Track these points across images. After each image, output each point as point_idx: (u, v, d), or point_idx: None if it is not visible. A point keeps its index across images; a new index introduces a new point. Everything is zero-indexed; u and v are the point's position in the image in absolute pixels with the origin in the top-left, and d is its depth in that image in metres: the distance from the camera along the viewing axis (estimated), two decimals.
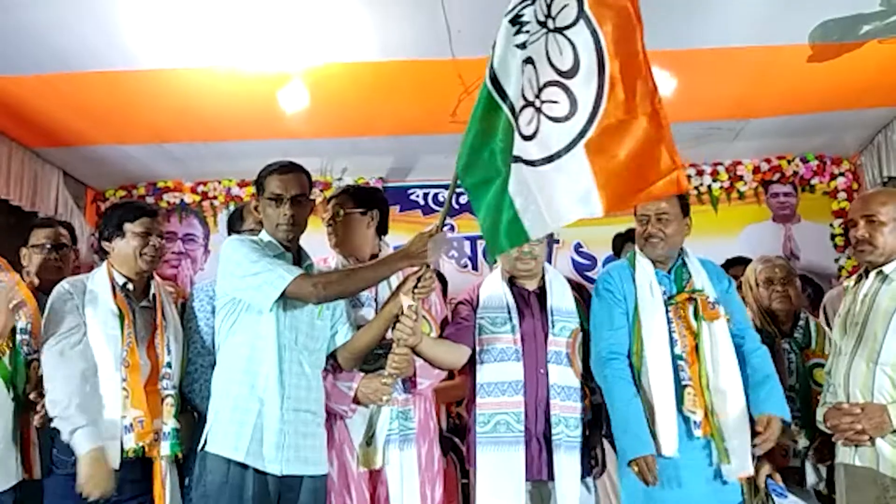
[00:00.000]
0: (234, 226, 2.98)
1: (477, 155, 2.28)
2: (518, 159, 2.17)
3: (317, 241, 2.80)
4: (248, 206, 2.87)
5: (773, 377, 2.59)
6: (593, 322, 2.69)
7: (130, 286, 2.53)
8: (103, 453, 2.27)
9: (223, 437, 2.29)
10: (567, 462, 2.56)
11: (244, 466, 2.26)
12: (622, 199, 2.06)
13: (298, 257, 2.51)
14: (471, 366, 2.83)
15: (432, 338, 2.63)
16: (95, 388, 2.35)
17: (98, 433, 2.28)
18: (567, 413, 2.60)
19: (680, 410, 2.48)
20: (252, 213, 2.73)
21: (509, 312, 2.71)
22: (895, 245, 2.49)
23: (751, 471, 2.53)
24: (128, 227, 2.52)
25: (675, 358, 2.53)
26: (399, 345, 2.43)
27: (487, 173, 2.26)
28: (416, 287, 2.39)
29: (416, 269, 2.40)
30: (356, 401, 2.54)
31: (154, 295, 2.58)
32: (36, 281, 2.86)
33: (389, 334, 2.49)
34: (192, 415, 2.62)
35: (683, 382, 2.50)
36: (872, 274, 2.51)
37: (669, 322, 2.56)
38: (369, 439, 2.52)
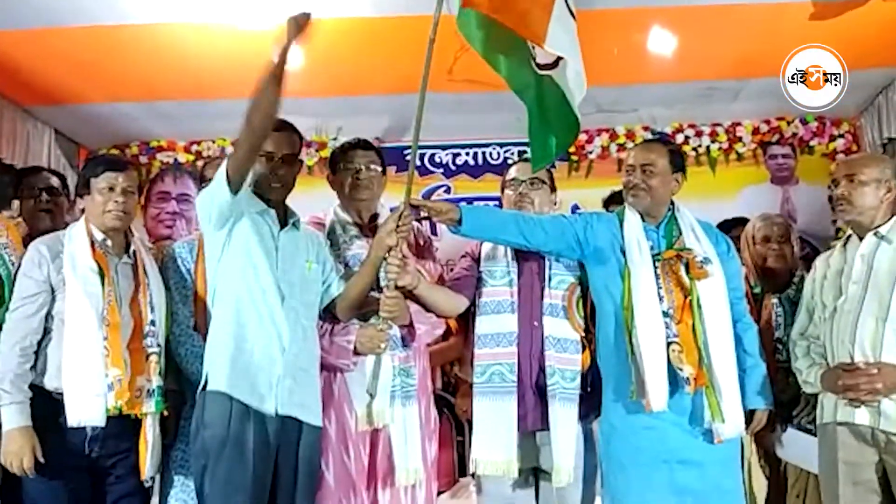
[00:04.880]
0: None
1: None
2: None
3: (307, 201, 2.79)
4: (211, 165, 2.93)
5: (760, 363, 2.64)
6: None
7: (109, 242, 2.50)
8: (30, 431, 2.31)
9: (221, 375, 2.31)
10: (563, 413, 2.57)
11: (245, 416, 2.27)
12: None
13: (284, 215, 2.50)
14: (465, 324, 2.85)
15: (428, 282, 2.66)
16: (30, 358, 2.37)
17: (28, 412, 2.32)
18: (563, 365, 2.61)
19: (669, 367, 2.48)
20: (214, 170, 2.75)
21: (508, 265, 2.72)
22: (875, 206, 2.51)
23: (742, 431, 2.55)
24: (93, 182, 2.48)
25: (662, 314, 2.52)
26: (390, 288, 2.47)
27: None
28: (397, 227, 2.46)
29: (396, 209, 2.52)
30: (356, 353, 2.55)
31: (134, 251, 2.55)
32: (25, 228, 2.81)
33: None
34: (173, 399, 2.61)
35: (668, 339, 2.49)
36: (869, 234, 2.51)
37: (657, 278, 2.55)
38: (373, 391, 2.52)
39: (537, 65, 2.53)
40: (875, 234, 2.51)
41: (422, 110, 2.57)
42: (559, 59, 2.47)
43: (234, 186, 2.29)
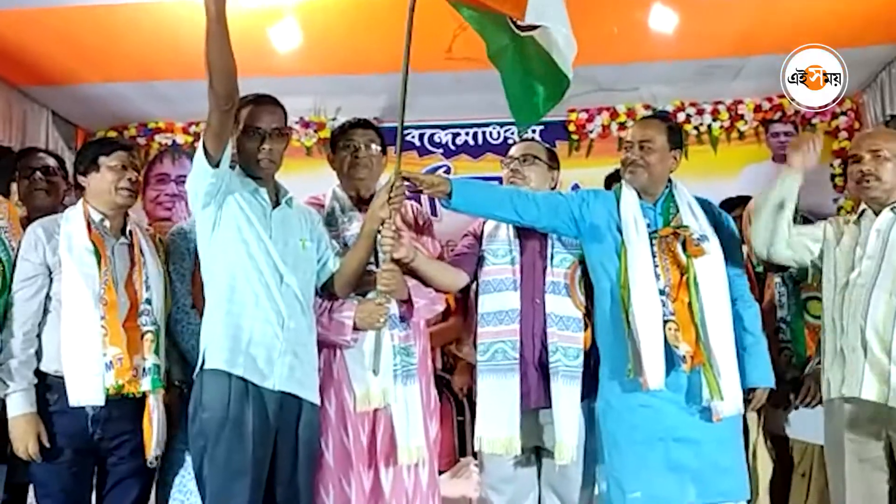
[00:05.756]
0: None
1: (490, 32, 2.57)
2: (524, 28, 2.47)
3: (306, 182, 2.78)
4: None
5: (761, 340, 2.63)
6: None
7: (107, 223, 2.50)
8: (35, 417, 2.34)
9: (219, 353, 2.30)
10: (566, 390, 2.58)
11: (244, 397, 2.27)
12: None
13: (276, 192, 2.49)
14: (464, 304, 2.85)
15: (425, 256, 2.66)
16: (33, 342, 2.38)
17: (33, 398, 2.34)
18: (565, 342, 2.61)
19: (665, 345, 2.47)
20: None
21: (510, 244, 2.72)
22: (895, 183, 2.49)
23: (740, 409, 2.54)
24: (103, 160, 2.48)
25: (658, 293, 2.51)
26: (386, 261, 2.47)
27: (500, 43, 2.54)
28: (389, 199, 2.45)
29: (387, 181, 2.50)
30: (355, 328, 2.54)
31: (130, 231, 2.55)
32: (24, 210, 2.82)
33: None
34: (178, 391, 2.63)
35: (665, 317, 2.48)
36: (886, 210, 2.50)
37: (654, 256, 2.54)
38: (376, 368, 2.51)
39: (518, 27, 2.50)
40: (892, 209, 2.50)
41: (406, 81, 2.55)
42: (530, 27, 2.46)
43: (214, 159, 2.26)
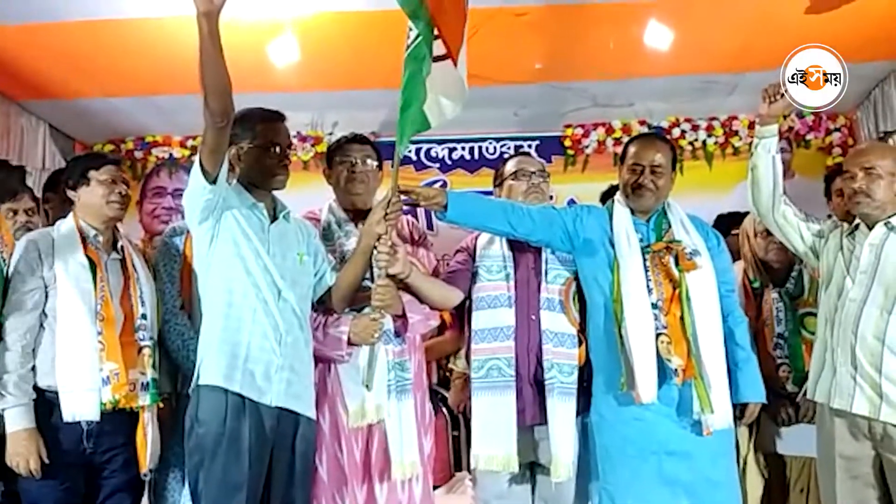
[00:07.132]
0: None
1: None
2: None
3: (303, 197, 2.78)
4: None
5: (752, 356, 2.65)
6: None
7: (100, 238, 2.50)
8: (35, 432, 2.32)
9: (216, 369, 2.29)
10: (561, 407, 2.57)
11: (241, 412, 2.26)
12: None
13: (274, 206, 2.50)
14: (460, 318, 2.85)
15: (421, 271, 2.66)
16: (31, 357, 2.36)
17: (32, 413, 2.32)
18: (560, 359, 2.61)
19: (658, 358, 2.48)
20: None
21: (505, 260, 2.72)
22: (890, 199, 2.51)
23: (730, 422, 2.54)
24: (93, 174, 2.49)
25: (650, 306, 2.52)
26: (381, 276, 2.47)
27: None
28: (385, 214, 2.46)
29: (384, 197, 2.50)
30: (350, 343, 2.54)
31: (121, 246, 2.55)
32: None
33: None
34: (168, 402, 2.63)
35: (657, 331, 2.49)
36: (879, 224, 2.51)
37: (646, 270, 2.55)
38: (370, 383, 2.50)
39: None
40: (886, 224, 2.51)
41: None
42: (443, 57, 2.48)
43: (211, 175, 2.25)
